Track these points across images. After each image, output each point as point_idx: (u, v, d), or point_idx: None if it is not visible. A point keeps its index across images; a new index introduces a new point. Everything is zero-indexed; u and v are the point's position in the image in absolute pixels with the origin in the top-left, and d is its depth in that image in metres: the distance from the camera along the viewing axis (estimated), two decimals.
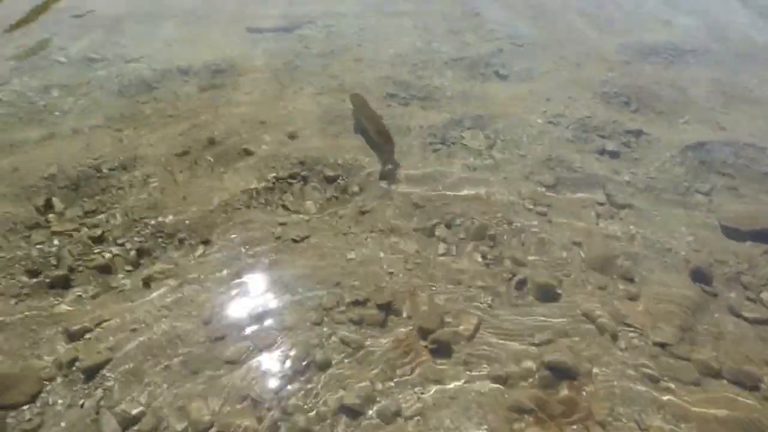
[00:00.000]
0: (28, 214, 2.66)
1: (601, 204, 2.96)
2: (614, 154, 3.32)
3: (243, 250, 2.52)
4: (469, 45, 4.54)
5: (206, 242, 2.56)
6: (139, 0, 5.17)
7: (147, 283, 2.35)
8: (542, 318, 2.27)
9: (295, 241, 2.56)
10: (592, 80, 4.08)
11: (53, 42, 4.38)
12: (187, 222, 2.64)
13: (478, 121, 3.51)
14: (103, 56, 4.16)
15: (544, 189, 3.02)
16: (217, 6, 5.03)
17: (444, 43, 4.52)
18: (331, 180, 2.92)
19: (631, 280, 2.46)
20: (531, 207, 2.89)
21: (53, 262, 2.41)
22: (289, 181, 2.91)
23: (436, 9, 5.12)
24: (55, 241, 2.50)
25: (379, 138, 3.13)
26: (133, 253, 2.47)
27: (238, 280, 2.36)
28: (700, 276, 2.49)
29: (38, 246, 2.48)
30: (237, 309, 2.24)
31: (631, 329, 2.23)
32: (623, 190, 3.02)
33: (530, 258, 2.58)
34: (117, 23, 4.71)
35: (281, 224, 2.67)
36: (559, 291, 2.38)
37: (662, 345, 2.16)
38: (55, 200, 2.74)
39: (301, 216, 2.72)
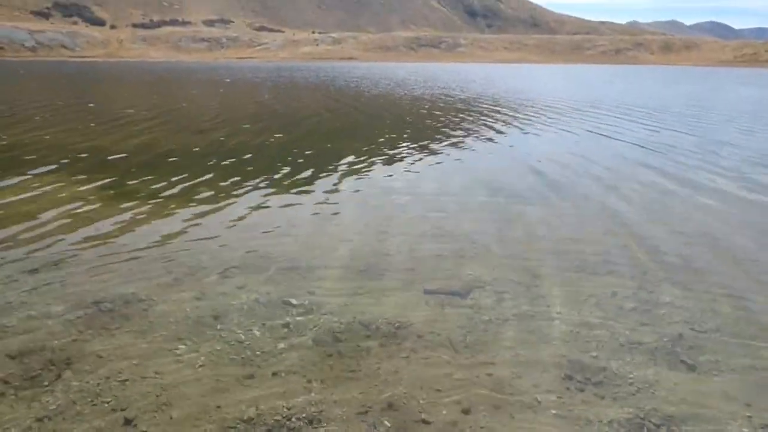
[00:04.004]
0: None
1: None
2: None
3: None
4: (645, 326, 4.45)
5: None
6: (328, 253, 6.02)
7: None
8: None
9: None
10: None
11: (255, 282, 5.16)
12: None
13: (668, 419, 3.26)
14: (300, 302, 4.77)
15: None
16: (395, 265, 5.66)
17: (619, 321, 4.49)
18: None
19: None
20: None
21: None
22: None
23: (607, 282, 5.23)
24: None
25: None
26: None
27: None
28: None
29: None
30: None
31: None
32: None
33: None
34: (309, 271, 5.46)
35: None
36: None
37: None
38: None
39: None
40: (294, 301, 4.77)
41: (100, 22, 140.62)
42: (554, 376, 3.71)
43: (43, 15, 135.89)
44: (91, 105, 22.49)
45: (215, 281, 5.11)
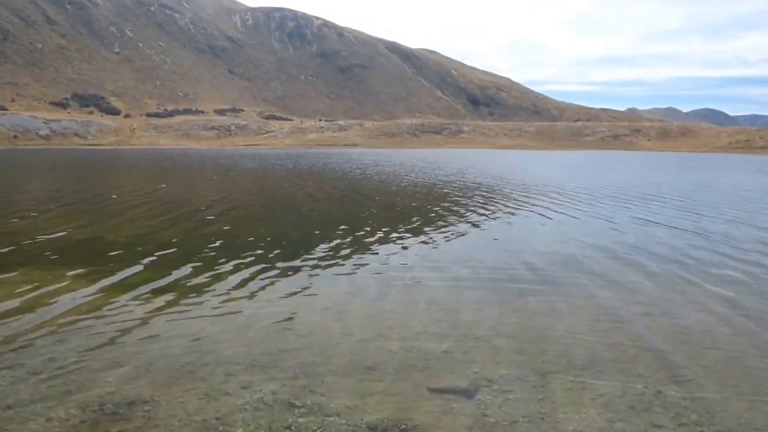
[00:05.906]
0: None
1: None
2: None
3: None
4: (656, 427, 4.36)
5: None
6: (331, 350, 6.00)
7: None
8: None
9: None
10: None
11: (259, 381, 5.11)
12: None
13: None
14: (305, 403, 4.71)
15: None
16: (399, 362, 5.62)
17: (630, 422, 4.40)
18: None
19: None
20: None
21: None
22: None
23: (616, 380, 5.16)
24: None
25: None
26: None
27: None
28: None
29: None
30: None
31: None
32: None
33: None
34: (313, 368, 5.41)
35: None
36: None
37: None
38: None
39: None
40: (298, 402, 4.71)
41: (115, 112, 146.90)
42: None
43: (61, 105, 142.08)
44: (114, 196, 23.07)
45: (220, 381, 5.07)
